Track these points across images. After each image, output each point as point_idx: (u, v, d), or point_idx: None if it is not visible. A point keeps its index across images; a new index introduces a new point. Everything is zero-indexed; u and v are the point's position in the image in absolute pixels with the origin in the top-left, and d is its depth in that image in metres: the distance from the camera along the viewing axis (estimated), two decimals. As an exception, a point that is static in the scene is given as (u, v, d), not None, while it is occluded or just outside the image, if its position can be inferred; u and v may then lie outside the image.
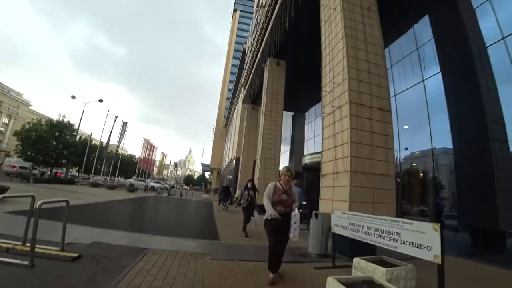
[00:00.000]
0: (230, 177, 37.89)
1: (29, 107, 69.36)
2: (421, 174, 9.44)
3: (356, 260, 4.06)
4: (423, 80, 9.28)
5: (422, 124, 9.11)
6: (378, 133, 6.47)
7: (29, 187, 14.24)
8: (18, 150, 30.00)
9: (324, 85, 7.66)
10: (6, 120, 61.27)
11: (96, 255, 4.33)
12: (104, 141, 32.59)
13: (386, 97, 6.96)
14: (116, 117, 31.36)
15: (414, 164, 9.83)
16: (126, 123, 33.64)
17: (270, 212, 3.92)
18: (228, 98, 68.42)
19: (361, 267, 3.93)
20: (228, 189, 18.36)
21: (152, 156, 48.29)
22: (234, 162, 31.01)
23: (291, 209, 4.06)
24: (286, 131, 24.94)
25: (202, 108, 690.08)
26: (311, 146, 21.42)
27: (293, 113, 26.04)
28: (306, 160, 11.89)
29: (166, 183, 54.28)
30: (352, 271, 4.11)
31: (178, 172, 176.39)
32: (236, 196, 21.52)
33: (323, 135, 7.35)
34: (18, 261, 3.56)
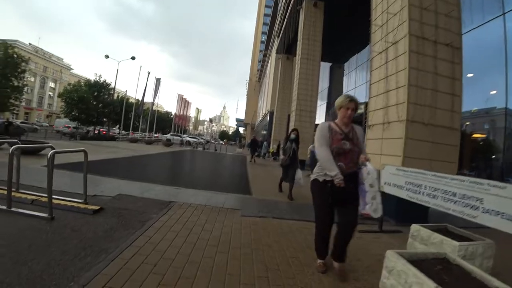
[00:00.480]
0: (264, 132, 37.49)
1: (71, 71, 72.18)
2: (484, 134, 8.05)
3: (415, 227, 3.29)
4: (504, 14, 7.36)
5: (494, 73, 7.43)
6: (443, 75, 5.22)
7: (77, 144, 14.80)
8: (63, 111, 31.66)
9: (375, 18, 6.31)
10: (52, 85, 64.79)
11: (119, 208, 4.04)
12: (140, 98, 33.15)
13: (457, 31, 5.51)
14: (149, 73, 31.32)
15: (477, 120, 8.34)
16: (159, 79, 33.57)
17: (329, 170, 2.40)
18: (261, 51, 65.55)
19: (422, 237, 3.17)
20: (256, 142, 18.58)
21: (186, 112, 48.83)
22: (268, 116, 30.21)
23: (356, 166, 2.53)
24: (323, 83, 23.28)
25: (236, 63, 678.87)
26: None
27: (330, 64, 24.07)
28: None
29: (202, 138, 55.65)
30: (408, 240, 3.38)
31: (213, 128, 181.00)
32: (271, 150, 21.03)
33: (371, 79, 6.21)
34: (38, 214, 3.35)
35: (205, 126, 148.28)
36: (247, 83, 78.77)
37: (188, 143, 33.98)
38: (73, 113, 30.86)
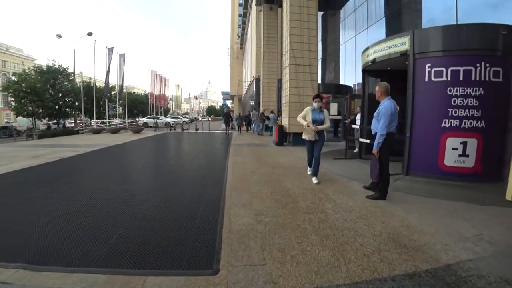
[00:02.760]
0: (252, 102, 33.37)
1: (34, 61, 64.87)
2: None
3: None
4: None
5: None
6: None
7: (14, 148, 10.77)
8: (12, 108, 26.56)
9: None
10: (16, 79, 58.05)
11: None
12: (111, 82, 28.01)
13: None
14: (109, 49, 26.25)
15: None
16: (123, 54, 28.52)
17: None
18: (240, 15, 59.45)
19: None
20: (228, 115, 19.94)
21: (164, 91, 43.94)
22: (254, 84, 26.02)
23: None
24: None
25: (220, 36, 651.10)
26: (350, 49, 15.86)
27: (323, 12, 19.70)
28: (372, 54, 7.02)
29: (186, 117, 51.29)
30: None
31: (200, 105, 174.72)
32: (279, 122, 17.14)
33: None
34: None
35: (191, 104, 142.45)
36: (229, 52, 72.80)
37: (169, 124, 29.76)
38: (25, 107, 25.81)
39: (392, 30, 10.97)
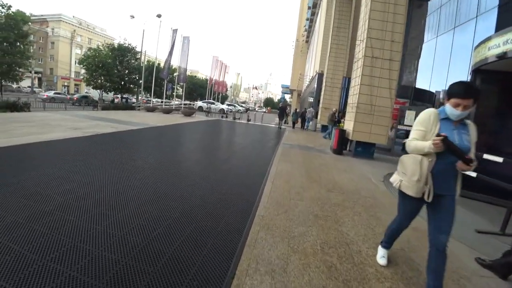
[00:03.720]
0: (310, 99, 31.26)
1: (113, 41, 70.65)
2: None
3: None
4: None
5: None
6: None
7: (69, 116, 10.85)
8: (84, 79, 28.60)
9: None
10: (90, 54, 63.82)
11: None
12: (173, 63, 28.42)
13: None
14: (174, 31, 26.33)
15: None
16: (187, 37, 28.50)
17: None
18: (309, 8, 56.74)
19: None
20: (283, 109, 19.39)
21: (224, 77, 43.82)
22: (316, 79, 23.94)
23: None
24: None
25: (286, 29, 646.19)
26: (437, 48, 12.87)
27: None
28: (499, 47, 4.87)
29: (242, 106, 50.94)
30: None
31: (259, 95, 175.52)
32: (341, 125, 15.25)
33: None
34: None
35: (250, 94, 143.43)
36: (294, 45, 70.35)
37: (223, 111, 29.29)
38: (94, 80, 27.64)
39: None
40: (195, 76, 59.55)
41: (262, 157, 7.14)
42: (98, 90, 29.79)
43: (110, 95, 32.92)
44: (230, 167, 5.61)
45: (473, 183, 4.77)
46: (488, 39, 5.24)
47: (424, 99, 12.33)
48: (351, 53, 18.19)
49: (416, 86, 13.45)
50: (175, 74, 31.65)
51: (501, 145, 5.73)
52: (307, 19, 57.46)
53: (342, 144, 8.98)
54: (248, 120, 20.90)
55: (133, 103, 26.80)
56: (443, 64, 11.14)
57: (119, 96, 33.10)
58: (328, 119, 13.54)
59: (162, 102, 26.25)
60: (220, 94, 46.30)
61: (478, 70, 5.64)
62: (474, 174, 4.44)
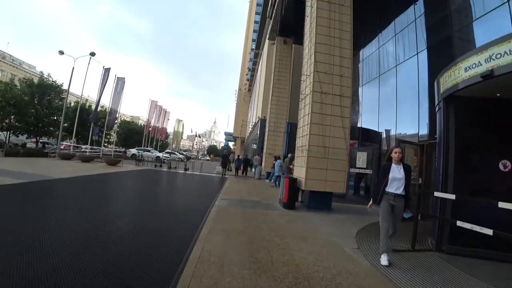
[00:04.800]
0: (254, 146, 30.27)
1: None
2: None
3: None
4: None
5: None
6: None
7: None
8: None
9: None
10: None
11: None
12: (106, 105, 25.21)
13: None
14: (105, 70, 23.91)
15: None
16: (123, 78, 26.14)
17: None
18: (250, 59, 59.46)
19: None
20: (226, 157, 18.09)
21: (163, 123, 41.17)
22: (259, 125, 23.11)
23: None
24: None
25: (228, 79, 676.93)
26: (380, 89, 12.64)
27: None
28: (482, 64, 3.97)
29: (183, 154, 48.03)
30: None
31: (203, 143, 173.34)
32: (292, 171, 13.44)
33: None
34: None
35: (194, 141, 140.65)
36: (236, 94, 71.89)
37: (158, 159, 26.33)
38: (0, 119, 23.00)
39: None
40: (133, 122, 55.55)
41: (184, 227, 4.80)
42: (5, 132, 24.85)
43: (23, 138, 27.89)
44: (117, 255, 3.23)
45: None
46: (462, 59, 4.26)
47: (371, 139, 11.71)
48: (293, 98, 17.82)
49: (363, 126, 12.95)
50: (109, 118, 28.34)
51: (488, 184, 4.61)
52: (249, 69, 59.71)
53: (294, 196, 7.27)
54: (186, 169, 18.46)
55: (47, 149, 22.59)
56: (388, 104, 10.69)
57: (35, 140, 28.18)
58: (284, 165, 11.78)
59: (91, 148, 22.57)
60: (159, 141, 43.13)
61: (451, 98, 4.61)
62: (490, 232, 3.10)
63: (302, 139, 7.73)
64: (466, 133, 4.73)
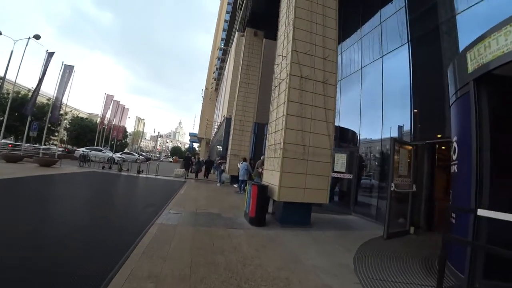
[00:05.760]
0: (219, 147, 28.39)
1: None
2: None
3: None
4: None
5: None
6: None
7: None
8: None
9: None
10: None
11: None
12: (59, 97, 21.76)
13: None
14: (50, 55, 20.69)
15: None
16: (72, 66, 22.83)
17: None
18: (218, 58, 57.42)
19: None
20: (189, 158, 17.60)
21: (120, 121, 37.63)
22: (224, 125, 21.34)
23: None
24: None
25: (196, 77, 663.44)
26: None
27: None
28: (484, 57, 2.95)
29: (143, 155, 44.65)
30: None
31: (167, 144, 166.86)
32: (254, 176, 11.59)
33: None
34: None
35: (158, 142, 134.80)
36: (203, 93, 69.17)
37: (112, 160, 23.46)
38: None
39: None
40: (87, 119, 50.81)
41: (80, 275, 2.80)
42: None
43: None
44: None
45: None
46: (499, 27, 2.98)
47: (348, 139, 10.51)
48: (261, 98, 16.36)
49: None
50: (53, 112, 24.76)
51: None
52: (216, 68, 57.55)
53: (263, 209, 5.63)
54: (139, 171, 16.11)
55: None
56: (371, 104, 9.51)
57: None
58: (255, 169, 9.94)
59: (32, 147, 19.18)
60: (116, 141, 39.45)
61: (486, 77, 3.31)
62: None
63: (275, 136, 6.13)
64: (504, 125, 3.46)
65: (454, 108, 4.17)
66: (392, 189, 5.56)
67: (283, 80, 6.03)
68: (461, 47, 4.74)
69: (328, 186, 5.80)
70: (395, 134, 7.47)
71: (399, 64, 7.87)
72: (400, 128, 7.61)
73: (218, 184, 13.58)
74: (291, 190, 5.47)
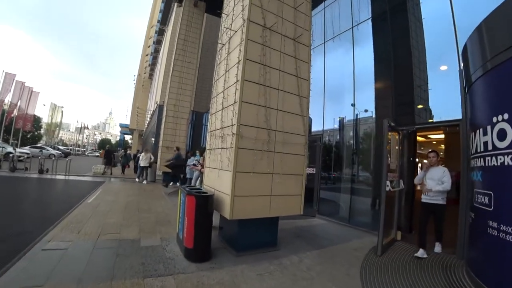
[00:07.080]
0: (153, 139, 25.05)
1: None
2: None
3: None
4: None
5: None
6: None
7: None
8: None
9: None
10: None
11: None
12: None
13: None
14: None
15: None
16: None
17: None
18: (154, 42, 52.06)
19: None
20: (110, 152, 15.88)
21: (27, 107, 30.85)
22: (157, 112, 18.37)
23: None
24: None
25: (130, 65, 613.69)
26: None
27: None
28: None
29: (60, 149, 38.23)
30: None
31: (95, 137, 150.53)
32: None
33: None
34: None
35: (84, 135, 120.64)
36: (135, 80, 62.61)
37: (11, 157, 18.48)
38: None
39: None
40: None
41: None
42: None
43: None
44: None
45: None
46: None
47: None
48: (199, 84, 14.02)
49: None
50: None
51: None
52: (151, 52, 52.11)
53: (207, 234, 3.52)
54: (42, 171, 12.37)
55: None
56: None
57: None
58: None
59: None
60: (26, 132, 32.54)
61: None
62: None
63: (222, 115, 4.06)
64: None
65: (489, 80, 2.79)
66: (387, 189, 4.02)
67: (236, 31, 3.96)
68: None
69: (302, 190, 3.99)
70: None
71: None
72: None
73: (148, 182, 10.97)
74: (250, 200, 3.51)
